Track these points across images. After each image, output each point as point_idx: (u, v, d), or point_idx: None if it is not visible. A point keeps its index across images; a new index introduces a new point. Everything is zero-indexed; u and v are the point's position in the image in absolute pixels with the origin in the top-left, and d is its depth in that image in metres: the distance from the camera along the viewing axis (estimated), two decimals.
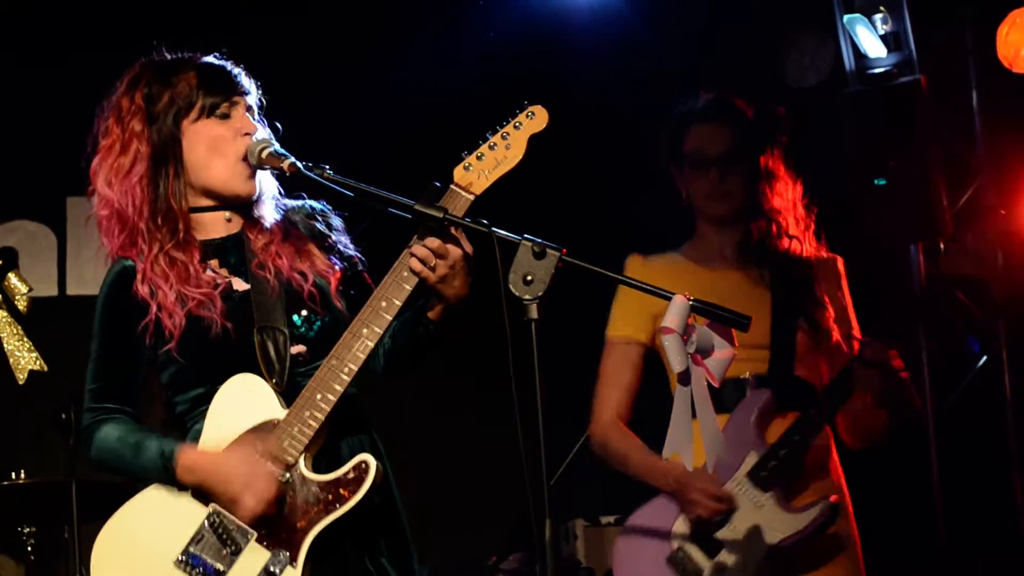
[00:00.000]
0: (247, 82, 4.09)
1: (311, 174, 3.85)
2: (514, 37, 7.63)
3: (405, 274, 3.79)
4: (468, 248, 3.80)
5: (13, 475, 5.78)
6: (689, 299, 3.55)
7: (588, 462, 5.92)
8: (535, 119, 3.81)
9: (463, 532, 7.19)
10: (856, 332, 4.79)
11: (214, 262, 4.04)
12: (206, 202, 4.05)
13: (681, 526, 4.72)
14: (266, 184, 4.09)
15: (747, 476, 4.62)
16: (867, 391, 4.64)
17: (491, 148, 3.80)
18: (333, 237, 4.14)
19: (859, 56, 7.36)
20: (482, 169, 3.79)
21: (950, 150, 7.40)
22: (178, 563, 3.79)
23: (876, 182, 6.95)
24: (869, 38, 7.21)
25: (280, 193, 4.16)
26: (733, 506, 4.63)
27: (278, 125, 4.16)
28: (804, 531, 4.57)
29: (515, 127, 3.80)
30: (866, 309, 4.95)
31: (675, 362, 3.55)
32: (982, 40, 7.31)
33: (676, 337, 3.54)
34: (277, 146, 3.97)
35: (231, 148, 3.97)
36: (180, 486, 3.85)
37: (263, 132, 4.06)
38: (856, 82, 7.41)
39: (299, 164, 3.88)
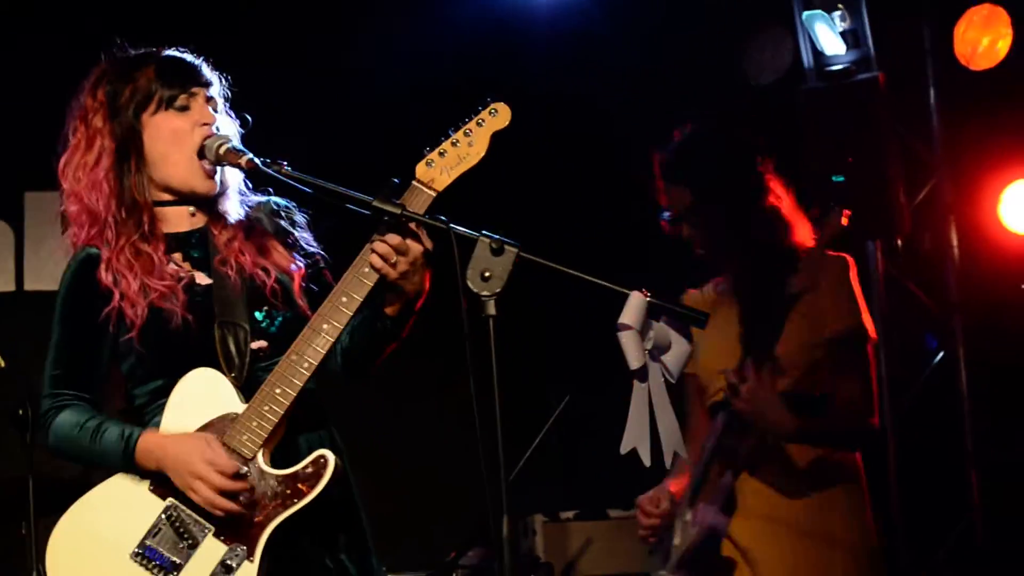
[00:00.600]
0: (208, 73, 4.10)
1: (269, 170, 3.86)
2: (477, 33, 7.62)
3: (366, 270, 3.80)
4: (428, 244, 3.80)
5: None
6: (647, 296, 3.57)
7: (547, 457, 5.96)
8: (498, 116, 3.81)
9: (422, 528, 7.18)
10: (871, 330, 4.76)
11: (177, 256, 4.05)
12: (169, 197, 4.06)
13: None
14: (231, 179, 4.10)
15: (687, 497, 4.66)
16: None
17: (454, 145, 3.79)
18: (296, 234, 4.15)
19: (817, 53, 7.40)
20: (444, 165, 3.79)
21: (908, 147, 7.43)
22: (134, 556, 3.80)
23: (833, 179, 6.96)
24: (828, 35, 7.25)
25: (247, 188, 4.17)
26: (664, 518, 4.67)
27: (247, 117, 4.16)
28: (688, 549, 4.59)
29: (478, 124, 3.80)
30: None
31: (632, 358, 3.58)
32: (940, 37, 7.35)
33: (633, 333, 3.56)
34: (235, 142, 3.99)
35: (189, 140, 3.98)
36: (140, 475, 3.86)
37: (229, 125, 4.08)
38: (814, 79, 7.45)
39: (256, 160, 3.89)
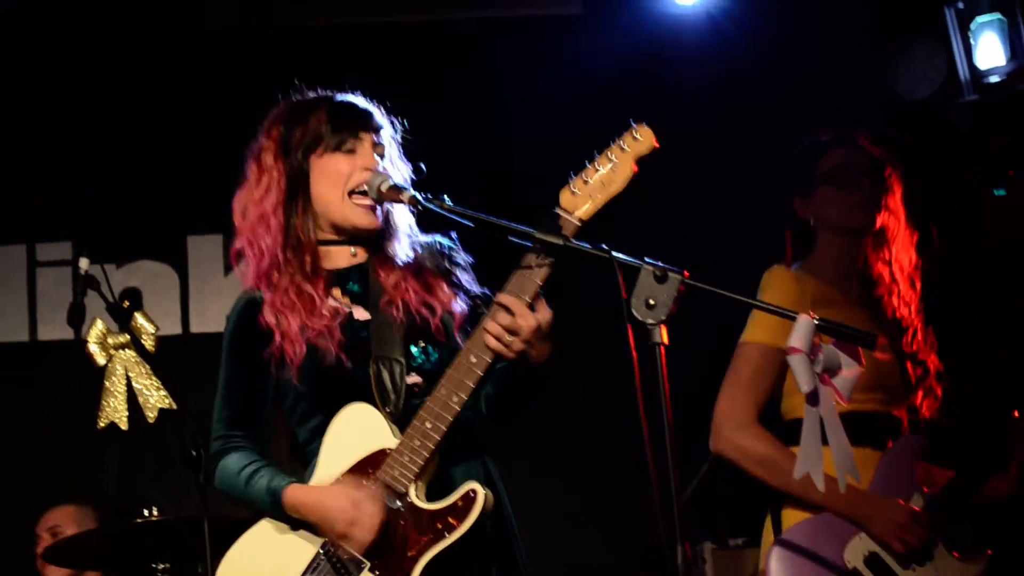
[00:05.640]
0: (380, 119, 4.17)
1: (431, 205, 3.87)
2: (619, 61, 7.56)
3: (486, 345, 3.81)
4: (544, 316, 3.77)
5: (146, 512, 5.82)
6: (814, 319, 3.52)
7: (715, 484, 5.88)
8: (641, 141, 3.72)
9: (592, 557, 7.12)
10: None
11: (336, 291, 4.12)
12: (334, 236, 4.13)
13: (855, 550, 4.65)
14: (399, 220, 4.17)
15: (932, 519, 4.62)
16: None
17: (597, 170, 3.73)
18: (459, 274, 4.18)
19: (972, 65, 7.29)
20: (589, 193, 3.73)
21: None
22: None
23: (995, 192, 6.85)
24: (993, 44, 7.13)
25: (415, 230, 4.22)
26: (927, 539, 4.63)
27: (422, 166, 4.24)
28: None
29: (621, 149, 3.72)
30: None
31: (803, 382, 3.53)
32: None
33: (803, 357, 3.51)
34: (396, 180, 4.02)
35: (347, 181, 4.04)
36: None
37: (401, 170, 4.16)
38: (971, 91, 7.34)
39: (418, 196, 3.91)
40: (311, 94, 4.22)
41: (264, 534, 3.98)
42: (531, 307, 3.76)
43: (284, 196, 4.07)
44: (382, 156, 4.11)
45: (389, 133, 4.18)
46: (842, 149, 4.97)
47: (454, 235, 4.24)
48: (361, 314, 4.08)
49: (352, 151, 4.07)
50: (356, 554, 3.82)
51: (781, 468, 4.64)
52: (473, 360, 3.79)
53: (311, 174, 4.08)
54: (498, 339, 3.75)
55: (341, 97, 4.18)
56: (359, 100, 4.18)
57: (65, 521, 6.77)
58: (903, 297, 4.92)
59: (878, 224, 4.93)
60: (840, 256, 4.96)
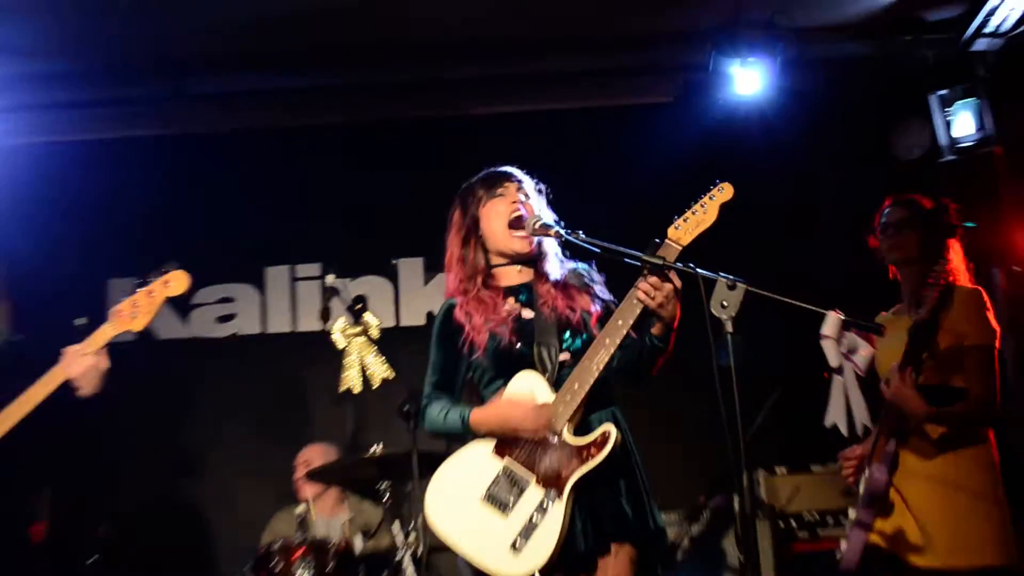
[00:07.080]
0: (519, 175, 4.35)
1: (570, 237, 4.07)
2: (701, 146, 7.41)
3: (634, 302, 3.96)
4: (678, 283, 3.94)
5: (373, 449, 5.94)
6: (840, 314, 3.54)
7: (766, 427, 5.87)
8: (724, 192, 3.98)
9: (678, 477, 7.04)
10: (997, 340, 4.59)
11: (511, 300, 4.27)
12: (503, 260, 4.32)
13: None
14: (549, 247, 4.34)
15: (868, 457, 4.51)
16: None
17: (693, 213, 3.96)
18: (594, 287, 4.32)
19: (950, 135, 7.22)
20: (687, 228, 3.94)
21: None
22: (483, 499, 4.00)
23: (967, 224, 6.73)
24: (966, 120, 7.07)
25: (563, 253, 4.38)
26: (859, 460, 4.48)
27: (549, 192, 4.39)
28: (868, 495, 4.37)
29: (710, 198, 3.97)
30: None
31: (831, 359, 3.57)
32: None
33: (832, 341, 3.56)
34: (546, 219, 4.19)
35: (504, 216, 4.26)
36: (483, 442, 4.08)
37: (538, 206, 4.30)
38: (949, 153, 7.25)
39: (562, 231, 4.11)
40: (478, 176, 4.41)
41: (464, 456, 4.12)
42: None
43: (462, 242, 4.30)
44: (527, 196, 4.30)
45: (532, 185, 4.36)
46: (890, 207, 4.83)
47: (593, 262, 4.38)
48: (528, 314, 4.24)
49: (503, 195, 4.29)
50: (527, 472, 3.96)
51: None
52: (607, 341, 3.97)
53: (481, 222, 4.29)
54: (646, 293, 3.91)
55: (492, 168, 4.40)
56: (504, 167, 4.39)
57: (315, 456, 6.84)
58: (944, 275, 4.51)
59: (914, 255, 4.71)
60: (905, 281, 4.79)
